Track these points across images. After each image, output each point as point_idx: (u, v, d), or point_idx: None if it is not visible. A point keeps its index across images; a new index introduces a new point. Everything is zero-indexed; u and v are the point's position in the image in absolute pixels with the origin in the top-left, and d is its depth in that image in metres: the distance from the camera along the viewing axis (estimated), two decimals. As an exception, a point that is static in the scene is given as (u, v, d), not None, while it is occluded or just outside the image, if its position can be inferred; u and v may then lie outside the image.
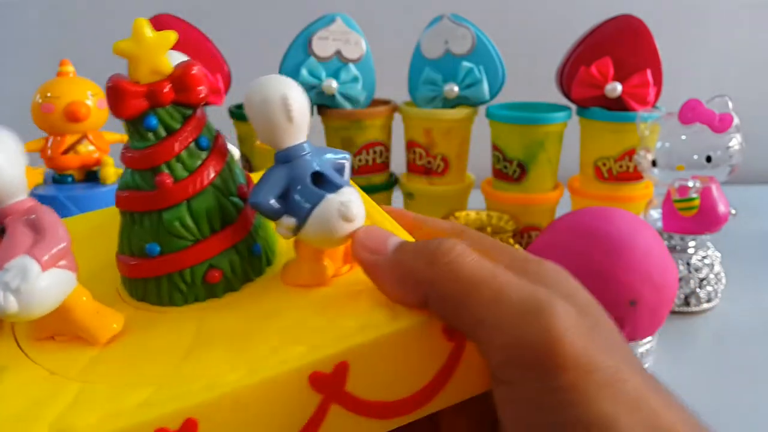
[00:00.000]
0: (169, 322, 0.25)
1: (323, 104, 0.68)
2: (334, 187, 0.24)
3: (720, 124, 0.57)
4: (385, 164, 0.72)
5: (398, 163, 0.74)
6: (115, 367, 0.22)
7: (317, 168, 0.24)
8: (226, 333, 0.24)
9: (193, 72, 0.24)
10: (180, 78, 0.24)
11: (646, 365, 0.52)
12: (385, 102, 0.72)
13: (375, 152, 0.70)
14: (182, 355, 0.23)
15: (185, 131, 0.25)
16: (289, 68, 0.67)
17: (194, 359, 0.22)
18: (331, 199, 0.24)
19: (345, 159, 0.26)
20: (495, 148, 0.70)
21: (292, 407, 0.22)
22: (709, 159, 0.58)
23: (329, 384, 0.22)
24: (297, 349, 0.22)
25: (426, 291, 0.22)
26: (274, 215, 0.24)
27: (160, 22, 0.67)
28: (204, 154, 0.25)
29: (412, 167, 0.72)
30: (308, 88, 0.66)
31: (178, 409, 0.20)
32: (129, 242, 0.26)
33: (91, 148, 0.60)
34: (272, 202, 0.24)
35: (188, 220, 0.25)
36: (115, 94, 0.24)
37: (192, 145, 0.25)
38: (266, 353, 0.22)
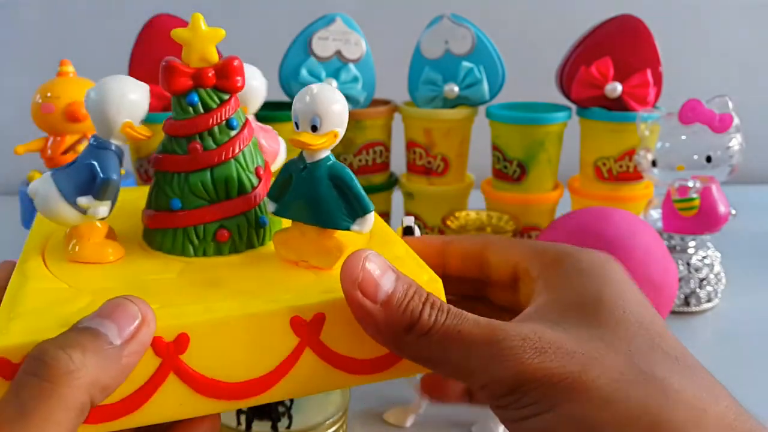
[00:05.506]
0: (179, 266, 0.29)
1: (323, 104, 0.68)
2: None
3: (720, 124, 0.57)
4: (385, 164, 0.72)
5: (398, 163, 0.74)
6: (126, 289, 0.25)
7: None
8: (227, 279, 0.28)
9: (234, 64, 0.30)
10: (223, 67, 0.29)
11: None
12: (385, 102, 0.72)
13: (375, 152, 0.70)
14: (188, 289, 0.27)
15: (220, 111, 0.30)
16: (289, 68, 0.67)
17: (196, 293, 0.26)
18: None
19: None
20: (495, 148, 0.70)
21: (273, 344, 0.25)
22: (709, 159, 0.58)
23: (306, 329, 0.25)
24: (284, 296, 0.26)
25: (400, 350, 0.25)
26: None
27: (160, 22, 0.67)
28: (233, 133, 0.30)
29: (412, 167, 0.72)
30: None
31: (175, 324, 0.24)
32: (157, 198, 0.30)
33: (91, 148, 0.60)
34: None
35: (209, 183, 0.30)
36: (168, 72, 0.29)
37: (224, 123, 0.30)
38: (258, 294, 0.26)
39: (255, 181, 0.31)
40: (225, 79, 0.29)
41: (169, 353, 0.24)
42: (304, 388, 0.26)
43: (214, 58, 0.29)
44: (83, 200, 0.28)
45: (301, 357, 0.25)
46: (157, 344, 0.24)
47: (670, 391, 0.22)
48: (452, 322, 0.23)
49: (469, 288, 0.33)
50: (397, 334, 0.24)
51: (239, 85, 0.30)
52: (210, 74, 0.29)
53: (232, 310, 0.25)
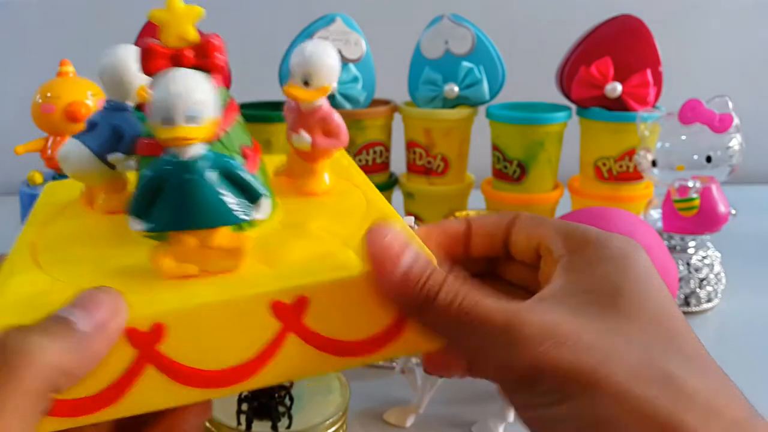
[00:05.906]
0: None
1: (323, 104, 0.68)
2: None
3: (720, 124, 0.57)
4: (385, 164, 0.72)
5: (398, 163, 0.74)
6: (107, 280, 0.25)
7: None
8: None
9: (215, 42, 0.28)
10: (203, 46, 0.28)
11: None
12: (385, 102, 0.72)
13: (375, 152, 0.70)
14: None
15: None
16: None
17: (176, 281, 0.26)
18: None
19: None
20: (495, 148, 0.70)
21: (253, 329, 0.24)
22: (709, 159, 0.58)
23: (289, 314, 0.25)
24: (263, 280, 0.25)
25: (415, 318, 0.25)
26: None
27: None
28: None
29: (412, 167, 0.72)
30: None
31: (148, 313, 0.23)
32: None
33: (91, 148, 0.60)
34: None
35: None
36: (145, 54, 0.27)
37: None
38: (237, 279, 0.25)
39: (241, 161, 0.29)
40: (205, 58, 0.28)
41: (146, 343, 0.24)
42: (291, 372, 0.26)
43: (193, 36, 0.28)
44: (113, 157, 0.31)
45: (285, 342, 0.25)
46: (132, 335, 0.23)
47: (684, 392, 0.21)
48: (469, 304, 0.23)
49: (483, 266, 0.32)
50: (412, 310, 0.24)
51: (220, 63, 0.28)
52: (189, 54, 0.27)
53: (209, 296, 0.24)
